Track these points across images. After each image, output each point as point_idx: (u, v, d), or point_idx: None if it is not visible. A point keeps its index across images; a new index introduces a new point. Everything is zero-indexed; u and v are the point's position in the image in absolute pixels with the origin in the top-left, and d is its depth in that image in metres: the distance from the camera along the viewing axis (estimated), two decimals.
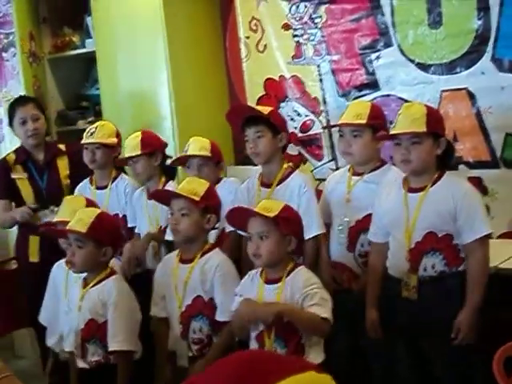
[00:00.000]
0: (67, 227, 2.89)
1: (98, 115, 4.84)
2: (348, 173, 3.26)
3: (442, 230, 2.77)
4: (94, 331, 2.87)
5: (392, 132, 2.87)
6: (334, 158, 4.20)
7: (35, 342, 4.32)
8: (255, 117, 3.24)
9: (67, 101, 5.26)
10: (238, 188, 3.46)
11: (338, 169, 4.08)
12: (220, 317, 2.86)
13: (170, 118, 4.32)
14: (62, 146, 4.15)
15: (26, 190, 4.01)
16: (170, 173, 3.73)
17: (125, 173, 3.90)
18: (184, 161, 3.58)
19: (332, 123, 3.98)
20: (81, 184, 3.89)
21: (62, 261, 3.29)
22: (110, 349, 2.82)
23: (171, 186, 3.57)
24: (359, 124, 3.11)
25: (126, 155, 3.62)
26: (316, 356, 2.63)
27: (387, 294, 2.95)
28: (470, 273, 2.74)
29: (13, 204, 4.03)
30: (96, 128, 3.74)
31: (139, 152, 3.57)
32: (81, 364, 2.92)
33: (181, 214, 2.88)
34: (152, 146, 3.62)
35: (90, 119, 5.00)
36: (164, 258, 3.16)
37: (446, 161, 2.88)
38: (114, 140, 3.76)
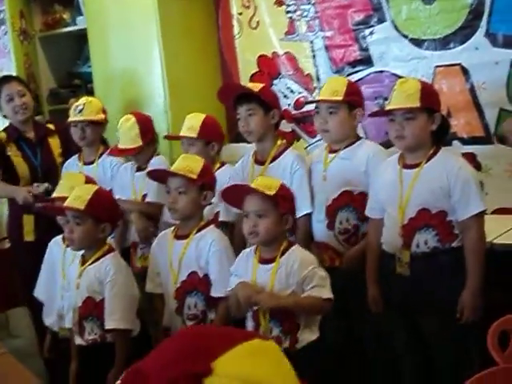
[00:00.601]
0: (65, 204, 2.89)
1: (90, 93, 4.80)
2: (325, 151, 3.24)
3: (436, 206, 2.77)
4: (91, 309, 2.87)
5: (386, 108, 2.87)
6: None
7: (30, 321, 4.32)
8: (246, 94, 3.22)
9: (59, 79, 5.22)
10: (233, 167, 3.45)
11: None
12: (215, 293, 2.87)
13: (162, 95, 4.29)
14: (51, 126, 4.16)
15: (22, 168, 4.01)
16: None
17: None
18: (177, 138, 3.61)
19: (307, 101, 3.99)
20: (69, 161, 3.93)
21: (59, 237, 3.30)
22: (107, 327, 2.83)
23: (161, 160, 3.60)
24: (336, 100, 3.09)
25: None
26: (311, 334, 2.65)
27: (382, 271, 2.96)
28: (468, 251, 2.75)
29: None
30: (84, 105, 3.75)
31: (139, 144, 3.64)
32: (78, 341, 2.93)
33: (178, 193, 2.88)
34: (149, 132, 3.69)
35: (76, 98, 4.96)
36: (159, 234, 3.16)
37: (441, 136, 2.87)
38: (102, 116, 3.80)
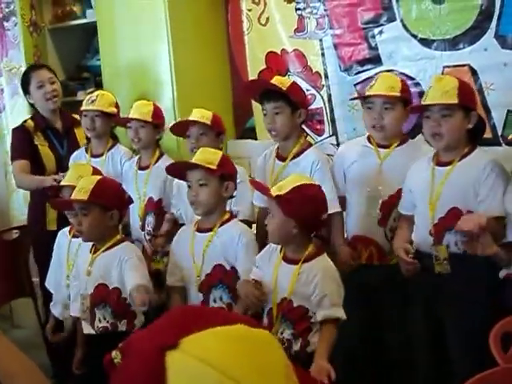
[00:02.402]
0: (71, 198, 2.92)
1: (99, 86, 4.82)
2: (370, 144, 3.16)
3: (467, 205, 2.72)
4: (104, 296, 2.89)
5: (423, 103, 2.83)
6: (334, 133, 4.19)
7: (34, 312, 4.35)
8: (275, 91, 3.17)
9: (68, 71, 5.23)
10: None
11: (338, 144, 4.08)
12: None
13: (170, 89, 4.30)
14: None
15: (48, 157, 4.04)
16: (115, 138, 3.84)
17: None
18: (185, 129, 3.55)
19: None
20: (76, 152, 3.93)
21: (67, 228, 3.33)
22: (131, 285, 2.77)
23: (167, 161, 3.57)
24: (394, 96, 3.04)
25: (136, 117, 3.63)
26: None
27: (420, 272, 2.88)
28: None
29: None
30: (97, 96, 3.78)
31: (150, 119, 3.60)
32: (86, 330, 2.93)
33: (199, 185, 2.87)
34: (160, 118, 3.66)
35: (90, 90, 4.96)
36: (180, 229, 3.16)
37: (477, 135, 2.84)
38: (114, 110, 3.80)
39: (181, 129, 3.59)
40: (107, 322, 2.88)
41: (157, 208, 3.59)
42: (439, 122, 2.74)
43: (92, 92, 4.11)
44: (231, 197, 3.00)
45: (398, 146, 3.12)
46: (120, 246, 2.94)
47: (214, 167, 2.85)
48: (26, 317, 4.80)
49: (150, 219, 3.59)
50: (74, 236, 3.25)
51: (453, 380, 2.80)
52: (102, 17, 4.59)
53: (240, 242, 2.87)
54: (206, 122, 3.45)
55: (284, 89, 3.17)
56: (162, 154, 3.70)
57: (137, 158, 3.75)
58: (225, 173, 2.90)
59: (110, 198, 2.90)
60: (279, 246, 2.70)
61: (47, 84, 4.10)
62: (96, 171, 3.29)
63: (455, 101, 2.71)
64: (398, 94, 3.05)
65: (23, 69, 4.74)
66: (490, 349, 2.51)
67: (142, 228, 3.63)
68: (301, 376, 0.91)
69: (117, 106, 3.86)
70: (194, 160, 2.92)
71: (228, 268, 2.88)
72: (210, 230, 2.92)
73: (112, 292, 2.88)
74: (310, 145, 3.28)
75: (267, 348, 0.86)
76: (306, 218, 2.58)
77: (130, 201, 3.15)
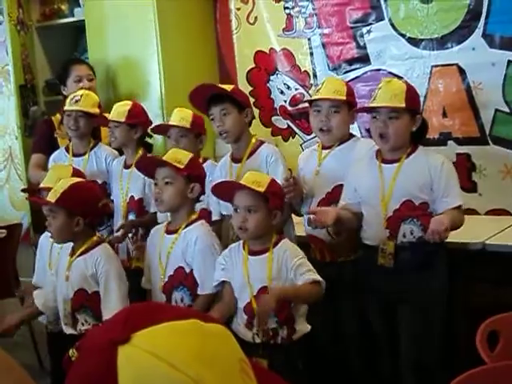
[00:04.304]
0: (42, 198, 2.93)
1: None
2: (318, 148, 3.24)
3: (419, 198, 2.83)
4: (84, 301, 2.87)
5: (372, 105, 2.89)
6: None
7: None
8: (219, 95, 3.23)
9: (55, 70, 5.20)
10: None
11: None
12: (201, 291, 2.87)
13: (158, 88, 4.29)
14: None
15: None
16: (147, 147, 3.74)
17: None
18: (165, 130, 3.58)
19: (305, 100, 3.93)
20: (55, 152, 3.91)
21: None
22: (105, 317, 2.78)
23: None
24: (340, 100, 3.10)
25: (111, 118, 3.63)
26: (305, 326, 2.72)
27: (363, 264, 2.98)
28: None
29: None
30: (81, 96, 3.76)
31: (123, 120, 3.60)
32: (69, 331, 2.90)
33: (164, 183, 2.89)
34: (137, 118, 3.64)
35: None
36: (153, 228, 3.16)
37: (419, 137, 2.93)
38: (97, 110, 3.80)
39: (162, 129, 3.65)
40: (89, 324, 2.87)
41: (137, 207, 3.59)
42: (386, 123, 2.83)
43: (75, 90, 4.07)
44: (198, 199, 3.01)
45: (338, 145, 3.17)
46: (94, 249, 2.89)
47: (181, 166, 2.87)
48: None
49: (132, 218, 3.59)
50: None
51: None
52: (91, 16, 4.57)
53: (196, 246, 2.88)
54: (184, 126, 3.47)
55: (228, 90, 3.24)
56: (144, 154, 3.68)
57: (123, 156, 3.74)
58: (192, 174, 2.91)
59: (77, 205, 2.85)
60: (241, 244, 2.77)
61: (85, 80, 4.15)
62: (77, 172, 3.26)
63: (403, 104, 2.80)
64: (344, 98, 3.11)
65: (9, 68, 4.72)
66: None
67: None
68: (260, 373, 0.91)
69: (99, 106, 3.85)
70: (163, 158, 2.94)
71: (188, 271, 2.90)
72: (176, 231, 2.94)
73: (92, 296, 2.86)
74: (262, 142, 3.31)
75: (220, 342, 0.86)
76: (282, 208, 2.79)
77: (105, 209, 3.13)
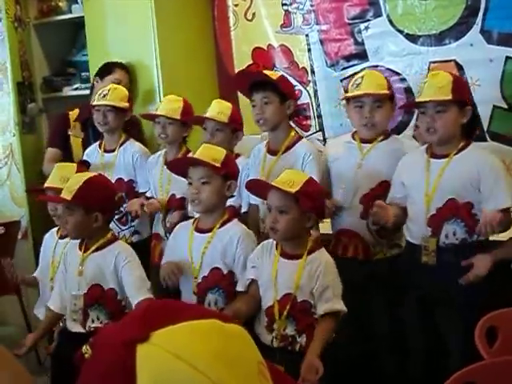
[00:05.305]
0: (59, 196, 2.87)
1: (85, 82, 4.80)
2: (354, 141, 3.16)
3: (464, 197, 2.76)
4: (98, 297, 2.81)
5: (417, 100, 2.85)
6: (321, 129, 4.19)
7: (19, 309, 4.32)
8: (263, 82, 3.16)
9: (53, 67, 5.19)
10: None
11: (325, 140, 4.08)
12: (239, 287, 2.79)
13: (157, 85, 4.29)
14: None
15: (77, 150, 4.01)
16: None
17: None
18: (202, 121, 3.48)
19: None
20: (90, 148, 3.88)
21: (54, 229, 3.29)
22: (140, 298, 2.71)
23: None
24: (384, 94, 3.04)
25: (164, 114, 3.56)
26: None
27: (406, 263, 2.93)
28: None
29: None
30: (109, 91, 3.72)
31: (178, 117, 3.53)
32: (75, 328, 2.84)
33: (201, 183, 2.77)
34: (189, 115, 3.58)
35: (76, 86, 4.95)
36: (179, 225, 3.06)
37: (471, 130, 2.86)
38: (126, 104, 3.75)
39: (198, 120, 3.53)
40: (100, 322, 2.80)
41: (179, 206, 3.50)
42: (434, 117, 2.76)
43: (79, 89, 4.05)
44: (231, 196, 2.92)
45: (380, 141, 3.12)
46: (112, 246, 2.85)
47: (218, 165, 2.76)
48: (12, 314, 4.78)
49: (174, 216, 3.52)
50: (61, 237, 3.21)
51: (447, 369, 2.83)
52: (90, 12, 4.56)
53: (239, 246, 2.79)
54: (221, 120, 3.37)
55: (274, 78, 3.17)
56: (188, 151, 3.56)
57: (160, 152, 3.68)
58: (228, 171, 2.81)
59: (94, 200, 2.80)
60: (274, 243, 2.68)
61: (122, 85, 4.03)
62: (80, 169, 3.23)
63: (449, 97, 2.73)
64: (388, 92, 3.06)
65: (7, 65, 4.71)
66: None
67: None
68: (276, 375, 0.90)
69: (129, 99, 3.81)
70: (197, 156, 2.83)
71: (225, 272, 2.80)
72: (209, 230, 2.83)
73: (107, 293, 2.81)
74: (301, 138, 3.27)
75: (241, 343, 0.86)
76: (320, 212, 2.68)
77: (121, 202, 3.09)
